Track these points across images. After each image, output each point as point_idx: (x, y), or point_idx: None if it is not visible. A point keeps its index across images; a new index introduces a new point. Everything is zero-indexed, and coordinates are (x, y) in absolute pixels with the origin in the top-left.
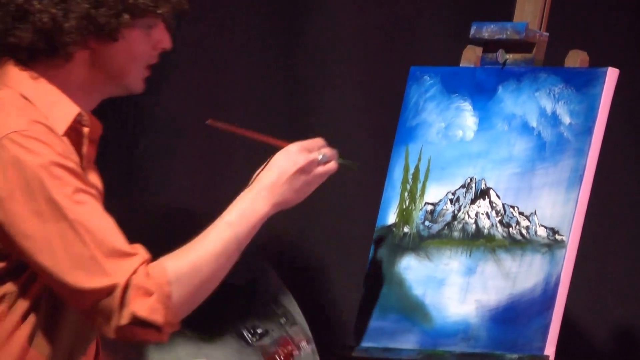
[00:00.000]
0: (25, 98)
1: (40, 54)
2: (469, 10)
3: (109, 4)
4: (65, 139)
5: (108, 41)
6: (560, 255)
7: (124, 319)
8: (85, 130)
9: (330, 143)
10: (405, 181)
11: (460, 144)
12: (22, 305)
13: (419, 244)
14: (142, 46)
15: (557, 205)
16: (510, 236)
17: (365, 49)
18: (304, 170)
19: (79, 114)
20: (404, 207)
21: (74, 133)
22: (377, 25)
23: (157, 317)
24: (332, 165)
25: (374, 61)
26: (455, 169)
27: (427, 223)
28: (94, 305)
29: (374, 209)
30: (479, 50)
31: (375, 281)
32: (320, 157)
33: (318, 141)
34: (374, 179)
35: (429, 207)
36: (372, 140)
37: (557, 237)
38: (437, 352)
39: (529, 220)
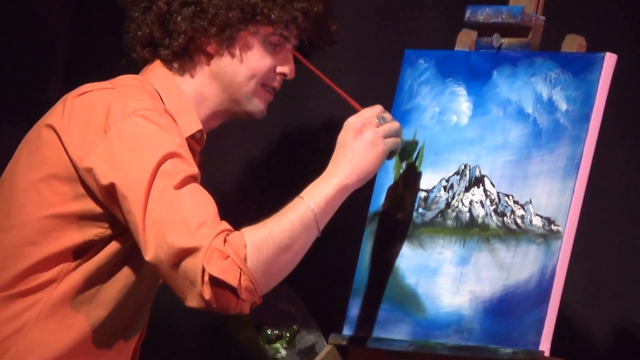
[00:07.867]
0: (160, 97)
1: (161, 47)
2: None
3: None
4: None
5: (223, 44)
6: (556, 246)
7: (204, 281)
8: (198, 148)
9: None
10: (398, 166)
11: (455, 129)
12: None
13: (412, 231)
14: (259, 60)
15: (553, 194)
16: (504, 225)
17: (359, 32)
18: (361, 132)
19: (200, 131)
20: (397, 193)
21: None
22: (371, 7)
23: (230, 277)
24: (394, 124)
25: (368, 44)
26: (449, 154)
27: (420, 210)
28: (181, 267)
29: (366, 195)
30: (473, 34)
31: (368, 269)
32: (377, 119)
33: (375, 108)
34: None
35: (423, 194)
36: None
37: (553, 227)
38: (429, 343)
39: (524, 209)
